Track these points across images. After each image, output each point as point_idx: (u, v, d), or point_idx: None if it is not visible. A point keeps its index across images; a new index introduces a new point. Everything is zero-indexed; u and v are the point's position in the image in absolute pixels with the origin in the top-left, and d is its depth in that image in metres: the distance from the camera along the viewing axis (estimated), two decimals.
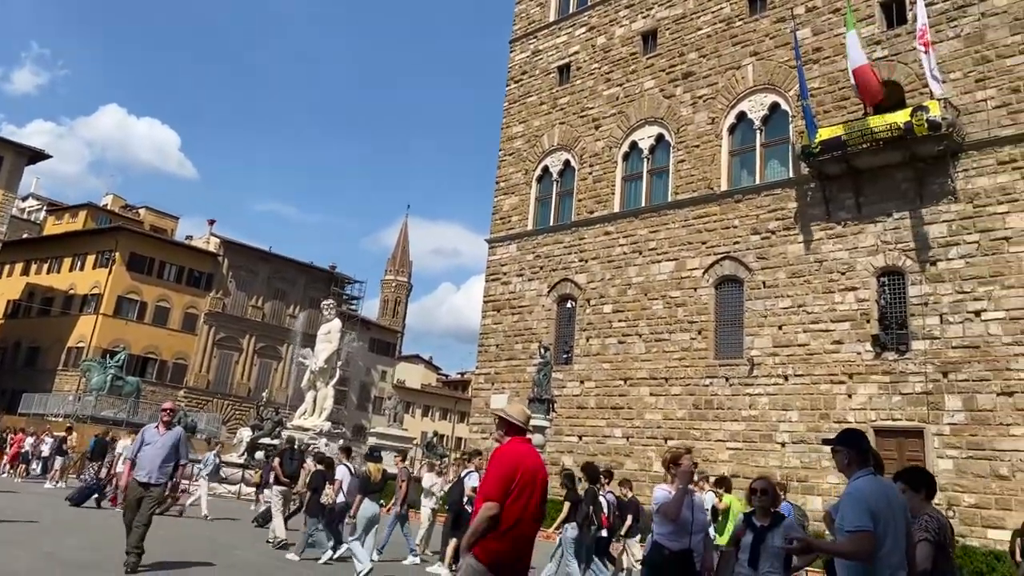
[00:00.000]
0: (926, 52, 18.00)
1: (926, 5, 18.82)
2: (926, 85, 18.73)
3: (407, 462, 14.70)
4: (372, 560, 9.74)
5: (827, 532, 9.20)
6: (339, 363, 23.96)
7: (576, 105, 28.02)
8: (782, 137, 22.20)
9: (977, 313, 17.42)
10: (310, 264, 51.29)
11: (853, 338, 19.14)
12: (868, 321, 19.04)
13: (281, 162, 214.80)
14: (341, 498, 10.91)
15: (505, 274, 28.72)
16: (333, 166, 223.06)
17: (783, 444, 19.54)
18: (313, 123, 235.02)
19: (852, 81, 19.32)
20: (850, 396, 18.76)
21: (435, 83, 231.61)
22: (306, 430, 21.37)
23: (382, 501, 10.83)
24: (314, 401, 22.57)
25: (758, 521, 5.12)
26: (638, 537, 11.69)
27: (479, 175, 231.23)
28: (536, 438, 20.59)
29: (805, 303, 20.23)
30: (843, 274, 19.77)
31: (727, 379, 21.17)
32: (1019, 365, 16.53)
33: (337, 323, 22.96)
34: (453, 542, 10.69)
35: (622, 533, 11.40)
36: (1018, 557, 11.62)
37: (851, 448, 4.13)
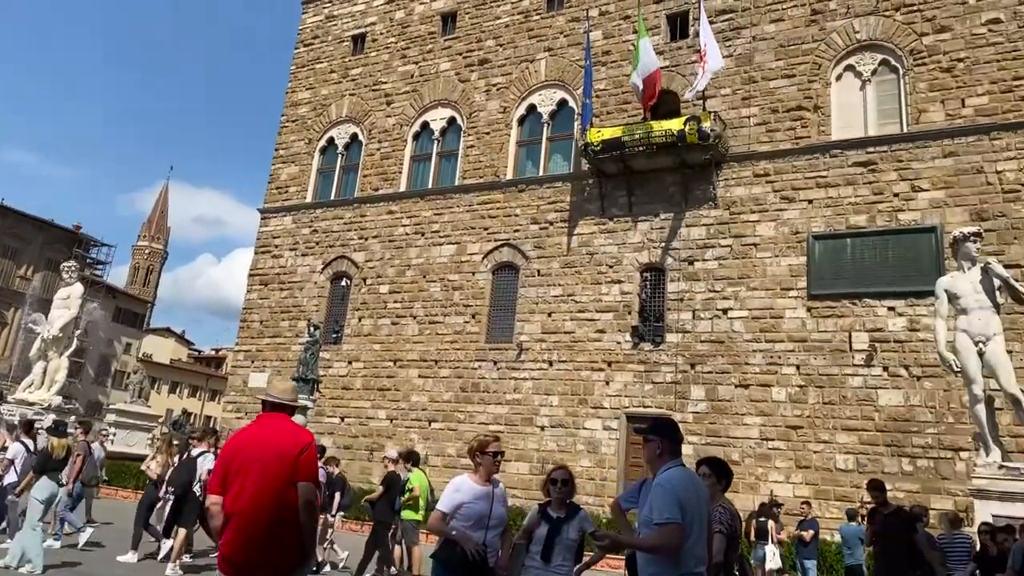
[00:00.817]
0: (703, 72, 19.31)
1: (708, 23, 20.24)
2: (700, 97, 20.09)
3: (90, 436, 12.91)
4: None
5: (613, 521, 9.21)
6: (77, 332, 21.74)
7: (369, 78, 26.93)
8: (567, 133, 22.77)
9: (724, 311, 18.79)
10: (49, 221, 45.01)
11: (615, 328, 19.89)
12: (629, 313, 19.89)
13: (27, 103, 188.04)
14: (12, 477, 9.65)
15: (277, 247, 26.77)
16: (91, 115, 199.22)
17: (542, 428, 19.80)
18: (71, 62, 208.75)
19: (639, 85, 20.11)
20: (607, 383, 19.43)
21: (216, 40, 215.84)
22: (31, 404, 18.79)
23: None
24: (44, 373, 19.76)
25: (554, 512, 4.91)
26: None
27: (255, 142, 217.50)
28: (296, 419, 19.17)
29: (575, 293, 20.74)
30: (611, 267, 20.54)
31: (496, 363, 21.13)
32: (756, 360, 18.00)
33: (78, 288, 20.42)
34: (182, 533, 9.29)
35: (332, 512, 11.46)
36: (752, 537, 12.40)
37: (664, 438, 4.02)
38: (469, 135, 24.13)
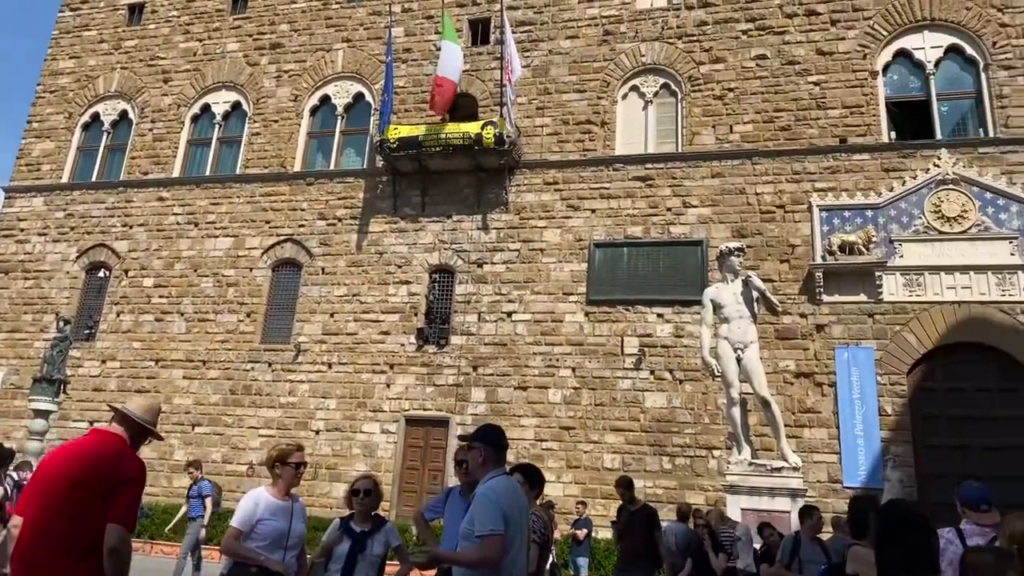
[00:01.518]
0: (509, 83, 19.38)
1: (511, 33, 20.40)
2: (498, 103, 20.10)
3: None
4: None
5: (415, 531, 8.46)
6: None
7: (145, 52, 24.45)
8: (362, 127, 21.94)
9: (509, 314, 18.75)
10: None
11: (400, 330, 19.21)
12: (416, 315, 19.30)
13: None
14: None
15: (24, 231, 23.38)
16: None
17: (317, 432, 18.59)
18: None
19: (434, 85, 19.78)
20: (388, 386, 18.67)
21: None
22: None
23: None
24: None
25: (357, 526, 4.62)
26: None
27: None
28: (37, 424, 16.67)
29: (360, 293, 19.83)
30: (400, 268, 19.87)
31: (271, 364, 19.63)
32: (535, 363, 18.06)
33: None
34: None
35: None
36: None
37: (488, 445, 3.85)
38: (255, 122, 22.53)
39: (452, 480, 17.43)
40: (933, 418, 16.09)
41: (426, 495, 17.64)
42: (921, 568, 2.87)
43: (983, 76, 17.86)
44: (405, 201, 20.52)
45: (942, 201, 16.89)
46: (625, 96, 20.40)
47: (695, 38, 20.08)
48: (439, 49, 20.59)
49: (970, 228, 16.64)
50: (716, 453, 16.07)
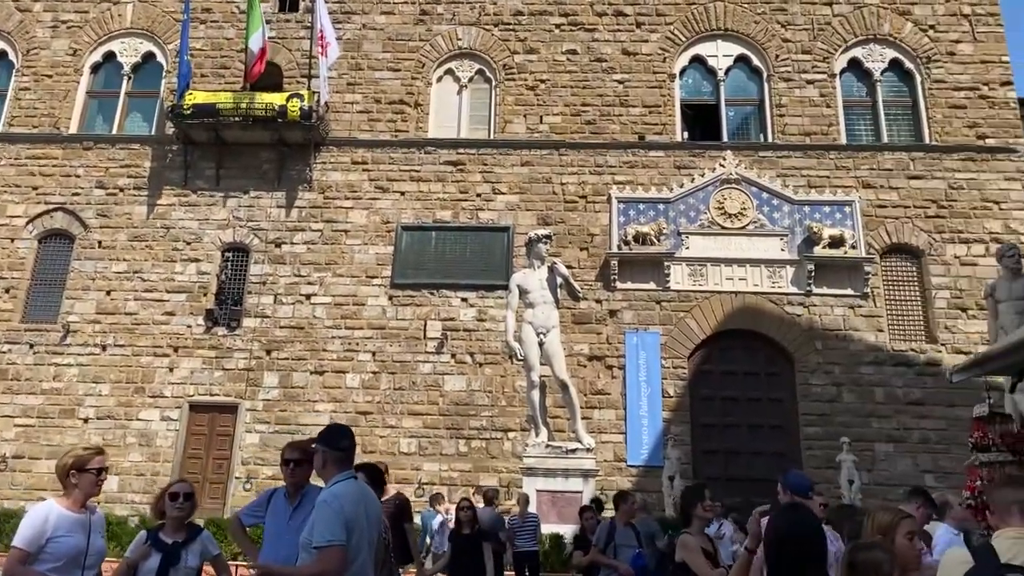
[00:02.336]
0: (323, 57, 18.37)
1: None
2: (305, 74, 19.13)
3: None
4: None
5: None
6: None
7: None
8: (152, 90, 20.13)
9: (308, 296, 17.91)
10: None
11: (187, 311, 17.79)
12: (205, 295, 17.96)
13: None
14: None
15: None
16: None
17: (86, 420, 16.82)
18: None
19: (254, 52, 18.40)
20: (171, 370, 17.23)
21: None
22: None
23: None
24: None
25: (169, 537, 4.14)
26: None
27: None
28: None
29: (143, 270, 18.15)
30: (189, 244, 18.41)
31: (32, 346, 17.50)
32: (333, 347, 17.38)
33: None
34: None
35: None
36: None
37: (327, 446, 3.60)
38: (24, 75, 19.98)
39: (239, 469, 16.40)
40: (709, 399, 17.23)
41: (210, 485, 16.48)
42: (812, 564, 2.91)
43: (766, 86, 19.37)
44: (198, 173, 19.03)
45: (725, 199, 18.12)
46: (440, 79, 20.15)
47: (511, 27, 20.19)
48: (242, 12, 19.30)
49: (748, 225, 17.97)
50: (511, 435, 16.24)
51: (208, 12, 20.43)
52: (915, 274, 17.98)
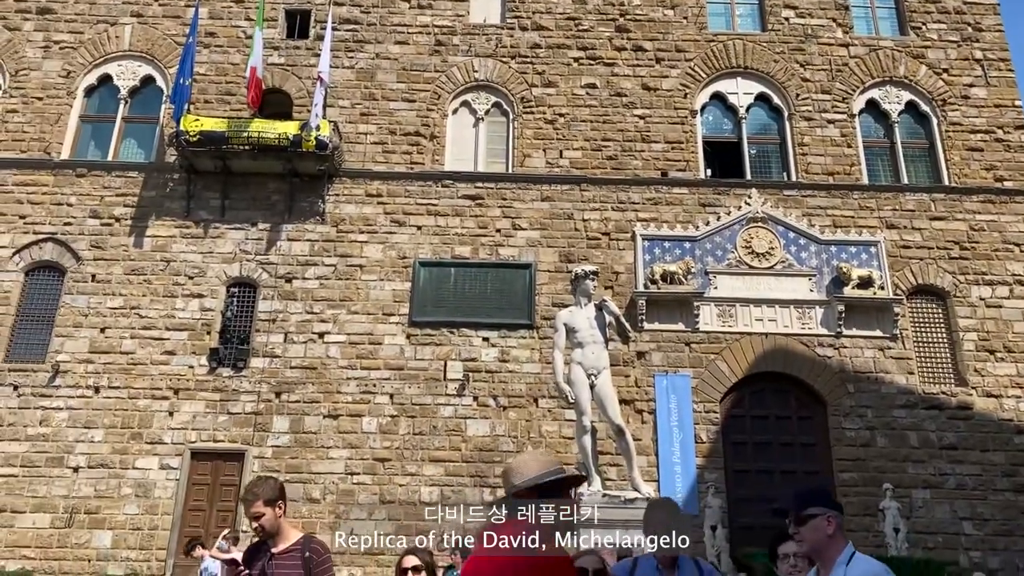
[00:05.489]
0: (320, 84, 17.67)
1: (332, 29, 18.76)
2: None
3: None
4: None
5: None
6: None
7: None
8: (151, 116, 19.09)
9: (321, 335, 16.89)
10: None
11: (188, 350, 16.59)
12: (209, 333, 16.80)
13: None
14: None
15: None
16: None
17: (77, 469, 15.39)
18: None
19: (248, 77, 17.70)
20: (171, 414, 15.95)
21: None
22: None
23: None
24: None
25: None
26: None
27: None
28: None
29: (140, 306, 16.93)
30: (191, 278, 17.27)
31: (16, 387, 16.07)
32: (349, 389, 16.35)
33: None
34: None
35: None
36: None
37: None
38: (13, 96, 18.77)
39: (246, 523, 15.13)
40: (742, 444, 16.59)
41: (213, 540, 15.14)
42: None
43: (787, 124, 19.17)
44: (201, 203, 17.98)
45: (752, 237, 17.72)
46: (456, 111, 19.52)
47: (528, 60, 19.72)
48: (249, 37, 18.53)
49: (776, 264, 17.57)
50: None
51: (212, 36, 19.55)
52: (942, 316, 17.74)
